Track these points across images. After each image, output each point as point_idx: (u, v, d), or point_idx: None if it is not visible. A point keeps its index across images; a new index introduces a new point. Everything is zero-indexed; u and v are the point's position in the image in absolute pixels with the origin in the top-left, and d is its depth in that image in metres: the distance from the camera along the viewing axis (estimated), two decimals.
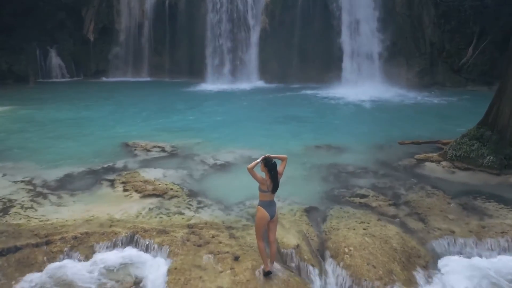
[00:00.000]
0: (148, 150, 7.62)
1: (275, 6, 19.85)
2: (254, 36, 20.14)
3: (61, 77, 22.73)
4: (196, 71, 21.98)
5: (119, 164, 6.79)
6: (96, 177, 6.14)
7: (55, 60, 22.75)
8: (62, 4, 21.38)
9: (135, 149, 7.69)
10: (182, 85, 19.66)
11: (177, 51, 22.94)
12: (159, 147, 7.82)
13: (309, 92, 16.88)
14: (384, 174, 6.26)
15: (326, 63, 19.78)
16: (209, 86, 18.74)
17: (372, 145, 8.07)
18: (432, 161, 6.71)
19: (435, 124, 10.38)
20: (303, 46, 20.08)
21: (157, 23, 22.93)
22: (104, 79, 22.63)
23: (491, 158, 6.20)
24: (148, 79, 22.68)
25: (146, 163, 6.87)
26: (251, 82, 19.91)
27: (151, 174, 6.17)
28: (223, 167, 6.73)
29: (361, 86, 17.99)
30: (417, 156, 6.97)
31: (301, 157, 7.19)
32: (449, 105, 14.01)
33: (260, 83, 19.64)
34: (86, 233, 4.22)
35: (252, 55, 20.19)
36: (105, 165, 6.68)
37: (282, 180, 3.65)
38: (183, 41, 22.58)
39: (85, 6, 23.18)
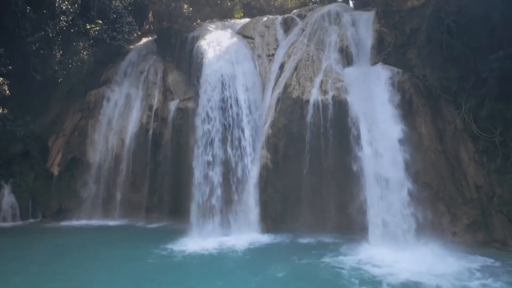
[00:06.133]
0: None
1: (277, 139, 16.40)
2: (253, 174, 16.27)
3: (11, 220, 18.25)
4: (180, 212, 17.79)
5: None
6: None
7: (7, 198, 18.50)
8: (20, 136, 17.85)
9: None
10: (158, 236, 15.13)
11: (158, 187, 19.02)
12: None
13: (327, 258, 12.21)
14: None
15: (344, 207, 15.63)
16: (193, 242, 14.07)
17: None
18: None
19: None
20: (313, 184, 16.16)
21: (138, 153, 19.40)
22: (64, 222, 18.13)
23: None
24: (119, 222, 18.17)
25: None
26: (249, 232, 15.40)
27: None
28: None
29: (395, 244, 13.57)
30: None
31: None
32: None
33: (261, 236, 15.09)
34: None
35: (250, 198, 16.05)
36: None
37: None
38: (166, 175, 18.82)
39: (54, 135, 19.86)
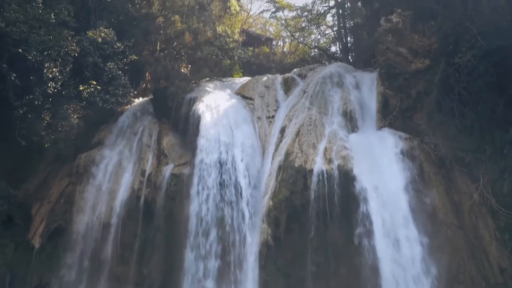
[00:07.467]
0: None
1: (279, 212, 15.07)
2: (252, 251, 14.83)
3: None
4: None
5: None
6: None
7: None
8: (2, 210, 16.45)
9: None
10: None
11: (148, 260, 17.23)
12: None
13: None
14: None
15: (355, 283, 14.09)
16: None
17: None
18: None
19: None
20: (318, 262, 14.66)
21: (128, 223, 17.79)
22: None
23: None
24: None
25: None
26: None
27: None
28: None
29: None
30: None
31: None
32: None
33: None
34: None
35: (248, 277, 14.50)
36: None
37: None
38: (157, 248, 17.13)
39: (38, 202, 18.46)
